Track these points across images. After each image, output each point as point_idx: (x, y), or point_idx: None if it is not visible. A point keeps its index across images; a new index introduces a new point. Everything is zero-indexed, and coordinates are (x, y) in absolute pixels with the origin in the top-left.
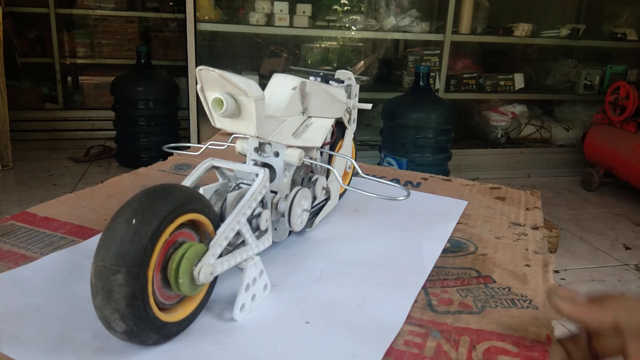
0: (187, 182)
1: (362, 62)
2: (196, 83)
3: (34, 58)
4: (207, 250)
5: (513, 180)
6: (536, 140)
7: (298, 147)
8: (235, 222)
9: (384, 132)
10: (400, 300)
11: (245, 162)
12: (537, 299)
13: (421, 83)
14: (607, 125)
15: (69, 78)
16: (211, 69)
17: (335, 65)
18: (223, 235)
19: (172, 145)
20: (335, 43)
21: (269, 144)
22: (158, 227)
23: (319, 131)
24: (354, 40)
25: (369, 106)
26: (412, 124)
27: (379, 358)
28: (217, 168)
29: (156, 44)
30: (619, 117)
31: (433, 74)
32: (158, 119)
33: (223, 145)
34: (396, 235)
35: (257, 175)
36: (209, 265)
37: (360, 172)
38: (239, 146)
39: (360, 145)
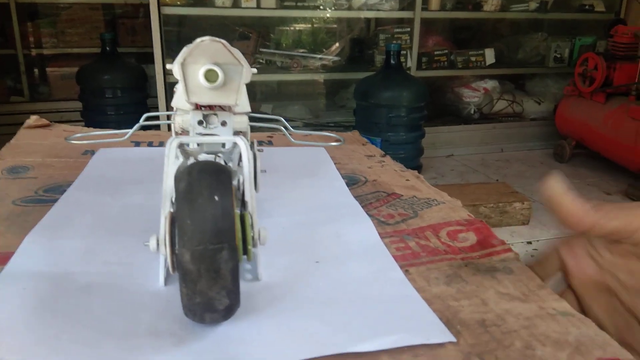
0: (173, 167)
1: (336, 44)
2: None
3: None
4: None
5: (487, 155)
6: (509, 114)
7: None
8: (251, 188)
9: (357, 113)
10: (361, 228)
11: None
12: (439, 198)
13: (392, 61)
14: (577, 97)
15: (35, 70)
16: (217, 39)
17: (309, 47)
18: (253, 201)
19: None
20: (308, 25)
21: (215, 114)
22: (232, 200)
23: (245, 98)
24: (325, 22)
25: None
26: (384, 103)
27: (397, 267)
28: (180, 146)
29: (123, 31)
30: (588, 89)
31: (404, 52)
32: (127, 107)
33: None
34: (300, 192)
35: (233, 144)
36: (264, 229)
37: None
38: (178, 122)
39: (334, 126)
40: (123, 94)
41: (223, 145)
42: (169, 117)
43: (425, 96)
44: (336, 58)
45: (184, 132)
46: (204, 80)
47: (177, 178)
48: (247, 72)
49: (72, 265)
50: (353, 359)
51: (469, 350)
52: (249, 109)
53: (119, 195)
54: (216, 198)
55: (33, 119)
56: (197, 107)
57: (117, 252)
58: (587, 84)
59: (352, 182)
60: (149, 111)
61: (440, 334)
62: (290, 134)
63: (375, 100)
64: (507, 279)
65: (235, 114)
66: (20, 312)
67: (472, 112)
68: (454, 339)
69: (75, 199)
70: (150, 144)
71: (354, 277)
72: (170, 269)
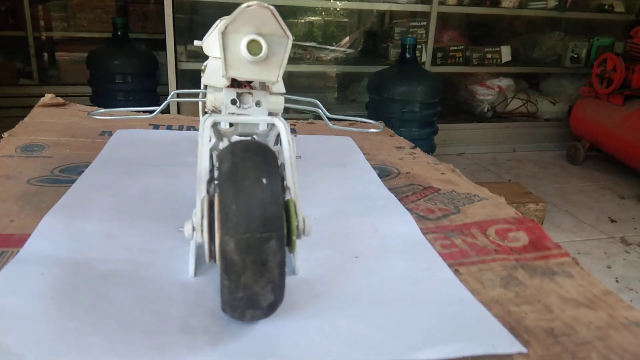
0: (206, 147)
1: (350, 37)
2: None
3: (6, 31)
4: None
5: (499, 155)
6: (522, 114)
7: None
8: (293, 173)
9: (370, 107)
10: (400, 221)
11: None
12: (480, 194)
13: (407, 55)
14: (594, 99)
15: (45, 53)
16: (265, 4)
17: (320, 40)
18: (295, 187)
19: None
20: (321, 16)
21: (250, 93)
22: (281, 184)
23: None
24: (339, 13)
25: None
26: (398, 97)
27: (446, 266)
28: (213, 125)
29: (134, 16)
30: (605, 90)
31: (419, 46)
32: (136, 93)
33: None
34: (330, 182)
35: (270, 125)
36: (308, 218)
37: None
38: (211, 100)
39: None
40: (133, 80)
41: (257, 127)
42: (197, 97)
43: (440, 92)
44: (349, 50)
45: (215, 112)
46: (246, 52)
47: (219, 158)
48: (290, 44)
49: (92, 250)
50: None
51: None
52: (284, 90)
53: (139, 177)
54: (264, 181)
55: (48, 97)
56: (231, 84)
57: (140, 237)
58: (604, 86)
59: (383, 173)
60: (159, 98)
61: (508, 344)
62: (327, 119)
63: (389, 95)
64: (568, 283)
65: (271, 93)
66: (39, 300)
67: (485, 110)
68: (524, 350)
69: (93, 180)
70: (169, 127)
71: (398, 275)
72: (207, 259)
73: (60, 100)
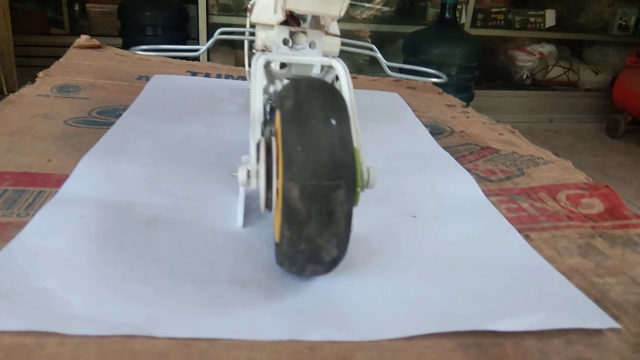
0: (260, 87)
1: None
2: None
3: None
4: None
5: (535, 125)
6: (562, 83)
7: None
8: (355, 119)
9: None
10: (460, 182)
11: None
12: (545, 157)
13: (447, 15)
14: None
15: (76, 4)
16: None
17: None
18: (359, 135)
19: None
20: None
21: (304, 32)
22: (351, 126)
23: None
24: None
25: None
26: (435, 59)
27: (515, 230)
28: (266, 65)
29: None
30: None
31: (460, 6)
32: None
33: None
34: (379, 138)
35: (326, 68)
36: (373, 169)
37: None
38: (261, 38)
39: None
40: (163, 32)
41: (311, 70)
42: (243, 36)
43: (478, 56)
44: (385, 8)
45: (264, 50)
46: None
47: (280, 96)
48: None
49: (134, 194)
50: (487, 339)
51: (636, 341)
52: (339, 32)
53: (179, 124)
54: (333, 122)
55: (84, 39)
56: (285, 22)
57: (183, 184)
58: None
59: (435, 131)
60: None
61: (598, 318)
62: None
63: (425, 57)
64: None
65: (327, 34)
66: (81, 243)
67: (524, 77)
68: (617, 325)
69: (132, 123)
70: (207, 75)
71: (461, 238)
72: (262, 208)
73: (96, 42)
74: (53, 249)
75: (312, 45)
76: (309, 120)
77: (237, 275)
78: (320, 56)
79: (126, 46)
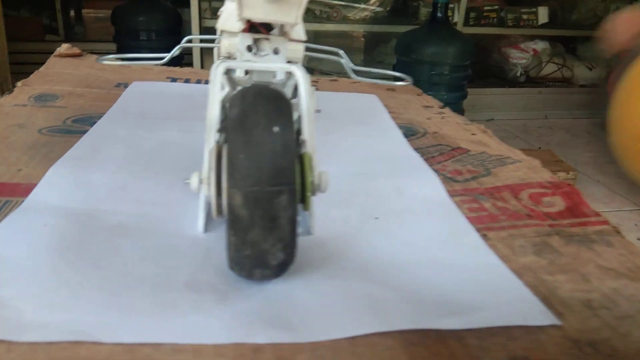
0: (217, 94)
1: None
2: None
3: None
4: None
5: (529, 122)
6: (556, 79)
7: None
8: (310, 125)
9: (397, 69)
10: (425, 183)
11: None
12: (514, 156)
13: (439, 14)
14: None
15: (71, 10)
16: None
17: None
18: (312, 140)
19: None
20: None
21: (267, 39)
22: (295, 133)
23: (301, 23)
24: None
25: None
26: (427, 59)
27: (473, 230)
28: (226, 72)
29: None
30: None
31: (452, 5)
32: (161, 50)
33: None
34: (352, 141)
35: (287, 74)
36: (325, 173)
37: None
38: (225, 45)
39: None
40: (157, 37)
41: (274, 76)
42: (210, 44)
43: (471, 54)
44: (378, 9)
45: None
46: None
47: (229, 104)
48: None
49: (100, 202)
50: (430, 337)
51: (577, 336)
52: (304, 37)
53: (153, 130)
54: (276, 129)
55: (65, 47)
56: (247, 29)
57: (151, 191)
58: None
59: (409, 133)
60: (183, 57)
61: (540, 315)
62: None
63: (418, 56)
64: (607, 252)
65: (290, 40)
66: (42, 251)
67: (518, 74)
68: (557, 322)
69: (106, 131)
70: (187, 81)
71: (420, 238)
72: (214, 213)
73: (76, 50)
74: (13, 258)
75: (275, 51)
76: (252, 129)
77: (193, 281)
78: (282, 62)
79: (120, 51)
